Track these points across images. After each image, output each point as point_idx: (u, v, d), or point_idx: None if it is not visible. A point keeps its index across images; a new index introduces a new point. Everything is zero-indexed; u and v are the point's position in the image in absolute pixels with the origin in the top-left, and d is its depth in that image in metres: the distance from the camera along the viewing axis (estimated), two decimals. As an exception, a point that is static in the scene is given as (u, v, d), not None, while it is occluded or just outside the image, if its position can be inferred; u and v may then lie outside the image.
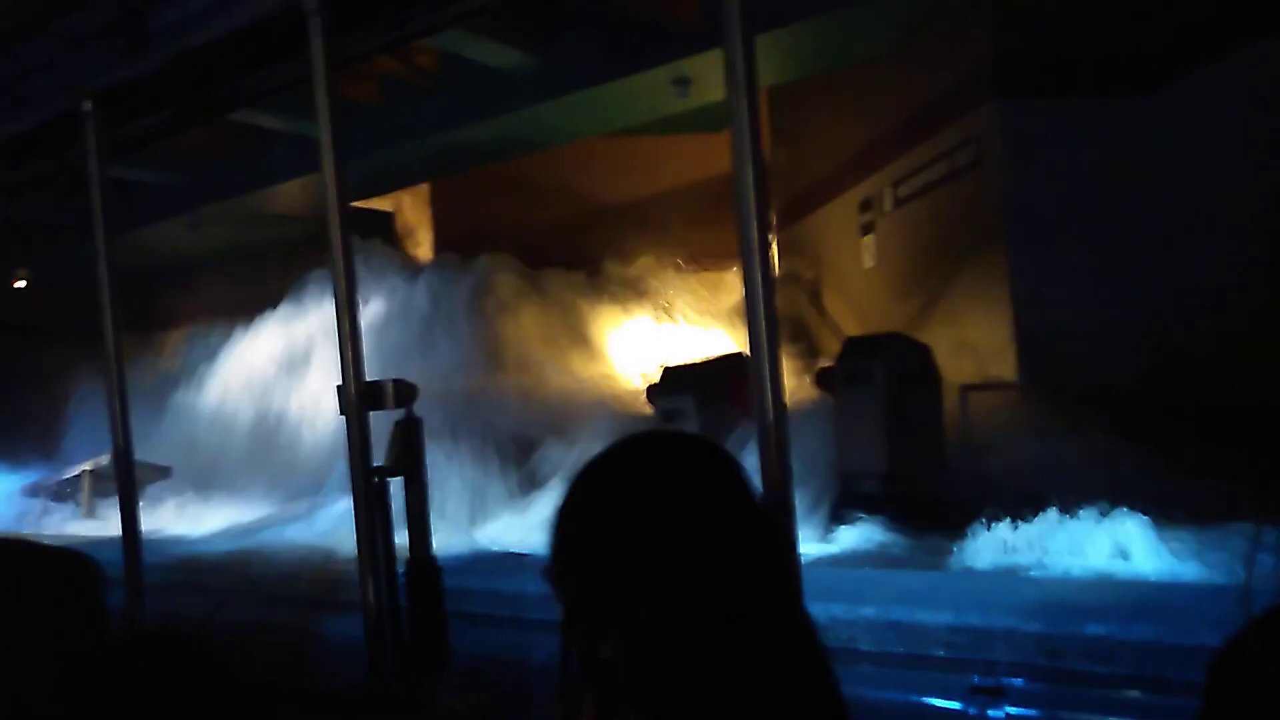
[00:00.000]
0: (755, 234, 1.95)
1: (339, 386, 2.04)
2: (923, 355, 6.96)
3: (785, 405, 1.98)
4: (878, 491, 6.44)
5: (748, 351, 1.92)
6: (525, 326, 10.83)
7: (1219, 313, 7.14)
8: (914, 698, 3.32)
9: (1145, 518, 4.81)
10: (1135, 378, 7.34)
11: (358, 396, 2.05)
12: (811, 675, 0.99)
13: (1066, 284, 7.69)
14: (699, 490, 1.01)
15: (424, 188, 13.78)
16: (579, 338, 11.18)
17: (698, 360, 7.89)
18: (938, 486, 6.53)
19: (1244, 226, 7.13)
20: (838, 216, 10.75)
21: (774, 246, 11.10)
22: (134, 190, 11.13)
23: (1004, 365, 7.86)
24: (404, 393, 2.09)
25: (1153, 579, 4.04)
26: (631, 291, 12.06)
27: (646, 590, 0.96)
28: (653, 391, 7.58)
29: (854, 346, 6.96)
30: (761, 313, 1.93)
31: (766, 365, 1.95)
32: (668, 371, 7.56)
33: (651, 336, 11.09)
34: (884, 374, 6.53)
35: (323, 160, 1.81)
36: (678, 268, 12.65)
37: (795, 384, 8.14)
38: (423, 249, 14.09)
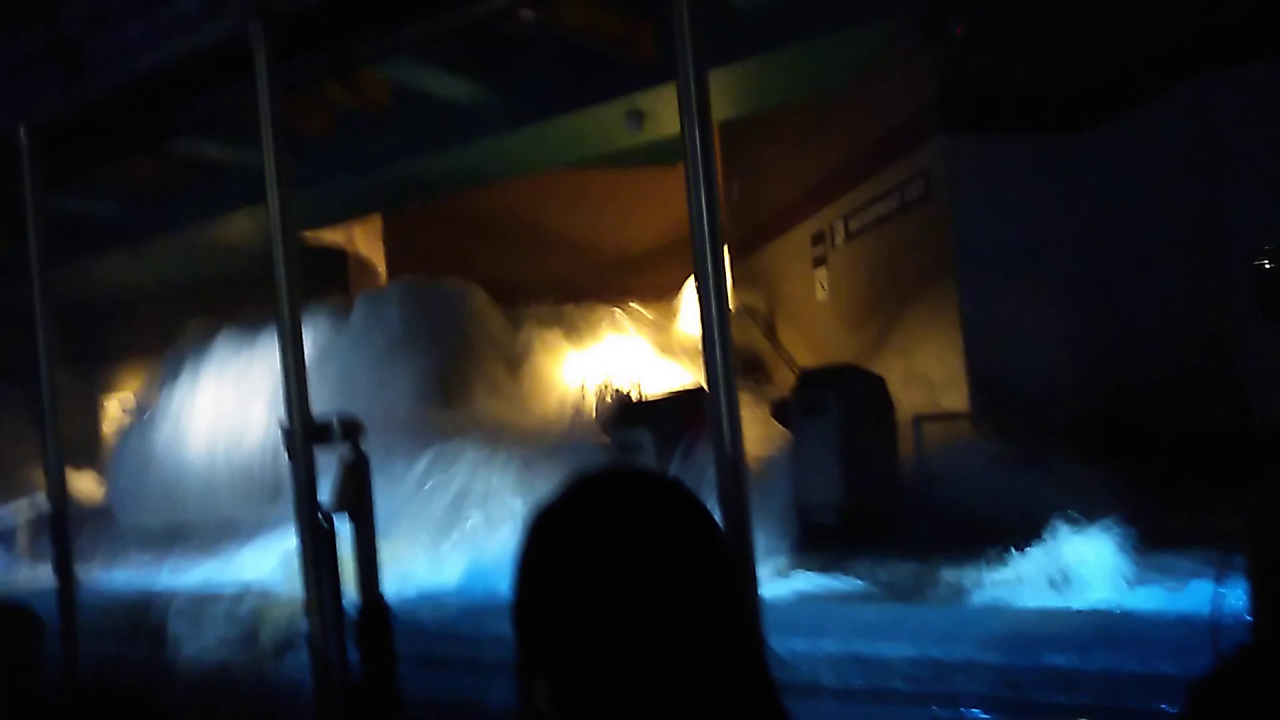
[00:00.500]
0: (710, 265, 1.93)
1: (282, 423, 1.97)
2: (877, 386, 7.00)
3: (742, 436, 1.95)
4: (836, 523, 6.44)
5: (704, 384, 1.90)
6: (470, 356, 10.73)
7: (1160, 341, 7.29)
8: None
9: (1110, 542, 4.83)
10: (1079, 405, 7.48)
11: (303, 433, 1.98)
12: None
13: (1014, 315, 7.82)
14: (642, 529, 0.96)
15: (376, 220, 13.66)
16: (522, 369, 11.09)
17: (655, 395, 7.86)
18: (894, 517, 6.55)
19: (1180, 258, 7.31)
20: (790, 249, 10.85)
21: (728, 278, 11.17)
22: (79, 222, 10.90)
23: (955, 395, 7.95)
24: (351, 429, 2.03)
25: (1111, 608, 4.06)
26: (583, 324, 12.03)
27: (579, 632, 0.92)
28: (609, 424, 7.53)
29: (809, 378, 6.98)
30: (717, 345, 1.90)
31: (724, 397, 1.93)
32: (624, 405, 7.51)
33: (604, 369, 11.04)
34: (839, 405, 6.55)
35: (267, 188, 1.75)
36: (632, 300, 12.68)
37: (749, 415, 8.13)
38: (376, 282, 13.95)
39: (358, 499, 2.11)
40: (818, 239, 10.14)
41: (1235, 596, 0.93)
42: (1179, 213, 7.27)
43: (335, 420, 2.04)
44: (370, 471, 2.13)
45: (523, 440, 8.25)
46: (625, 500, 0.98)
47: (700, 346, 1.87)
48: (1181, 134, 7.22)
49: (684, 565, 0.94)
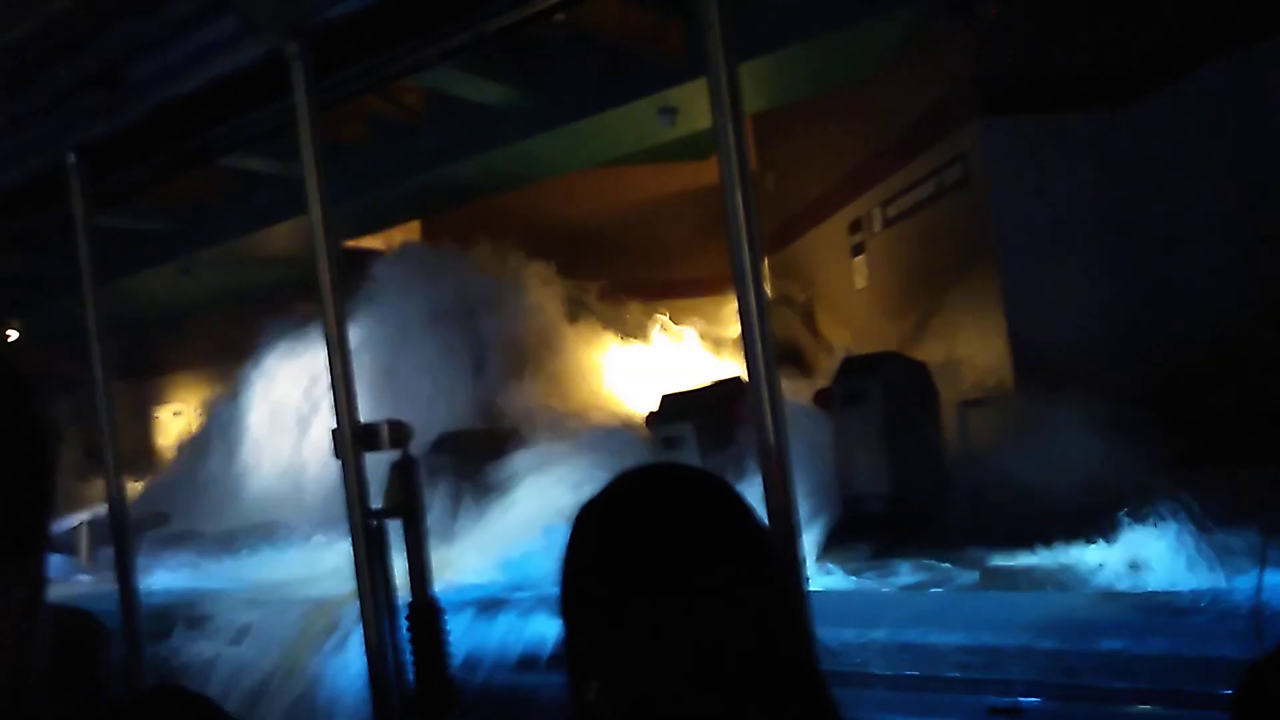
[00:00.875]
0: (747, 258, 1.94)
1: (333, 430, 2.02)
2: (920, 373, 6.95)
3: (786, 428, 1.96)
4: (881, 512, 6.40)
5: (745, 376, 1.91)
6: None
7: (1207, 319, 7.14)
8: (931, 720, 3.29)
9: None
10: (1127, 386, 7.34)
11: (352, 439, 2.03)
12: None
13: (1059, 297, 7.71)
14: (688, 527, 0.98)
15: (415, 225, 13.81)
16: (567, 358, 11.11)
17: (696, 387, 7.86)
18: (941, 505, 6.49)
19: (1224, 233, 7.15)
20: (828, 238, 10.79)
21: (766, 270, 11.10)
22: (126, 238, 11.15)
23: (1000, 380, 7.85)
24: (399, 433, 2.07)
25: (1168, 590, 4.00)
26: (628, 319, 12.06)
27: (628, 629, 0.94)
28: (652, 419, 7.55)
29: (851, 366, 6.94)
30: (757, 336, 1.92)
31: (765, 388, 1.94)
32: (666, 399, 7.53)
33: (650, 363, 11.06)
34: (882, 393, 6.51)
35: (309, 203, 1.79)
36: (673, 295, 12.69)
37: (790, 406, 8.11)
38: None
39: (408, 501, 2.16)
40: (855, 227, 10.07)
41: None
42: (1222, 187, 7.12)
43: (384, 425, 2.08)
44: (420, 473, 2.18)
45: (566, 432, 8.33)
46: (670, 496, 1.01)
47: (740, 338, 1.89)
48: (1224, 108, 7.06)
49: (730, 560, 0.96)
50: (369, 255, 12.91)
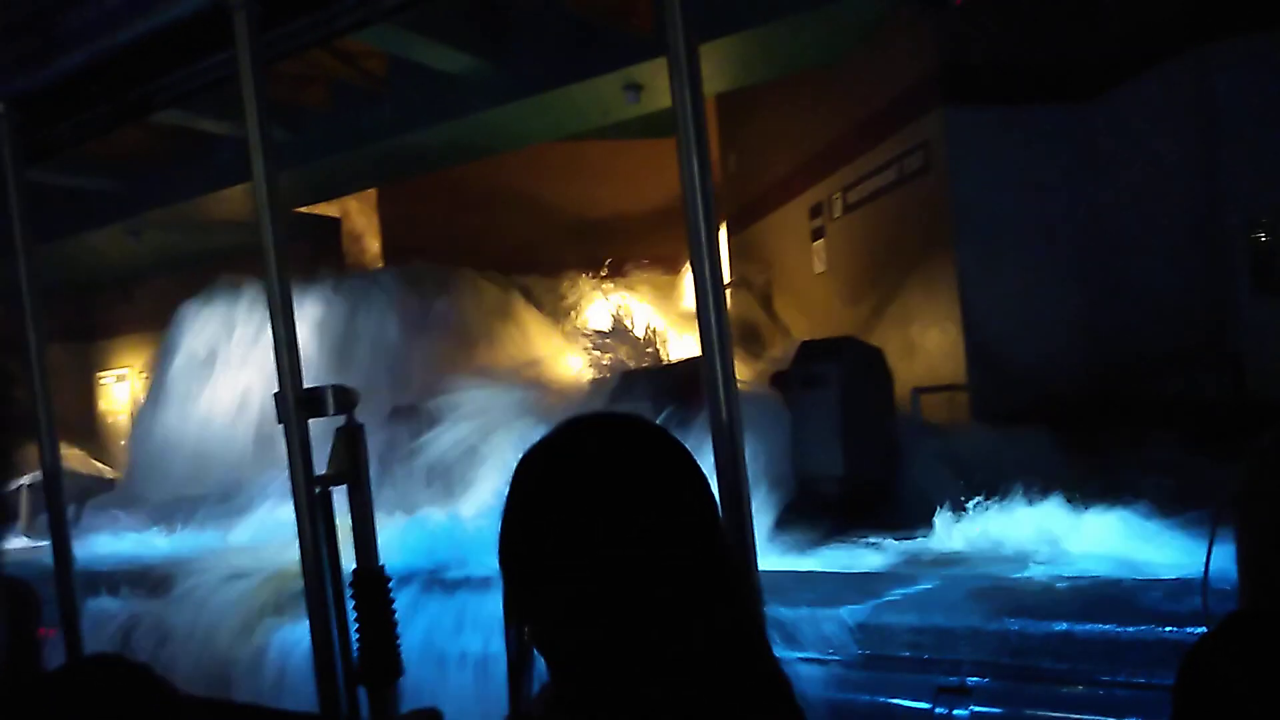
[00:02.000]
0: (704, 238, 1.92)
1: (276, 395, 1.96)
2: (876, 359, 6.99)
3: (739, 407, 1.95)
4: (835, 494, 6.44)
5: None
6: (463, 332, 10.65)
7: (1158, 313, 7.27)
8: (881, 699, 3.33)
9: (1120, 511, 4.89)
10: (1076, 377, 7.48)
11: (296, 404, 1.97)
12: (759, 678, 0.93)
13: (1012, 287, 7.79)
14: (630, 472, 0.95)
15: (372, 193, 13.59)
16: (527, 341, 11.03)
17: (656, 366, 7.85)
18: (893, 488, 6.57)
19: (1179, 230, 7.27)
20: (788, 222, 10.79)
21: (725, 250, 11.09)
22: (71, 197, 10.83)
23: (953, 367, 7.94)
24: (345, 398, 2.02)
25: (1110, 575, 4.08)
26: (583, 296, 11.99)
27: (567, 576, 0.91)
28: (611, 398, 7.52)
29: (809, 350, 6.95)
30: (712, 316, 1.90)
31: (719, 368, 1.92)
32: (625, 377, 7.51)
33: (605, 340, 11.01)
34: (840, 377, 6.53)
35: (251, 160, 1.72)
36: (631, 272, 12.63)
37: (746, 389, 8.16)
38: (369, 256, 13.90)
39: (353, 467, 2.11)
40: (816, 211, 10.08)
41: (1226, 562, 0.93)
42: (1178, 184, 7.22)
43: (329, 390, 2.03)
44: (365, 439, 2.13)
45: (519, 411, 8.27)
46: (611, 443, 0.97)
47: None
48: (1181, 105, 7.15)
49: (670, 507, 0.94)
50: (326, 222, 12.72)
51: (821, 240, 10.01)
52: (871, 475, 6.58)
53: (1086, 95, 7.68)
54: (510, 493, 0.97)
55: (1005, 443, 6.52)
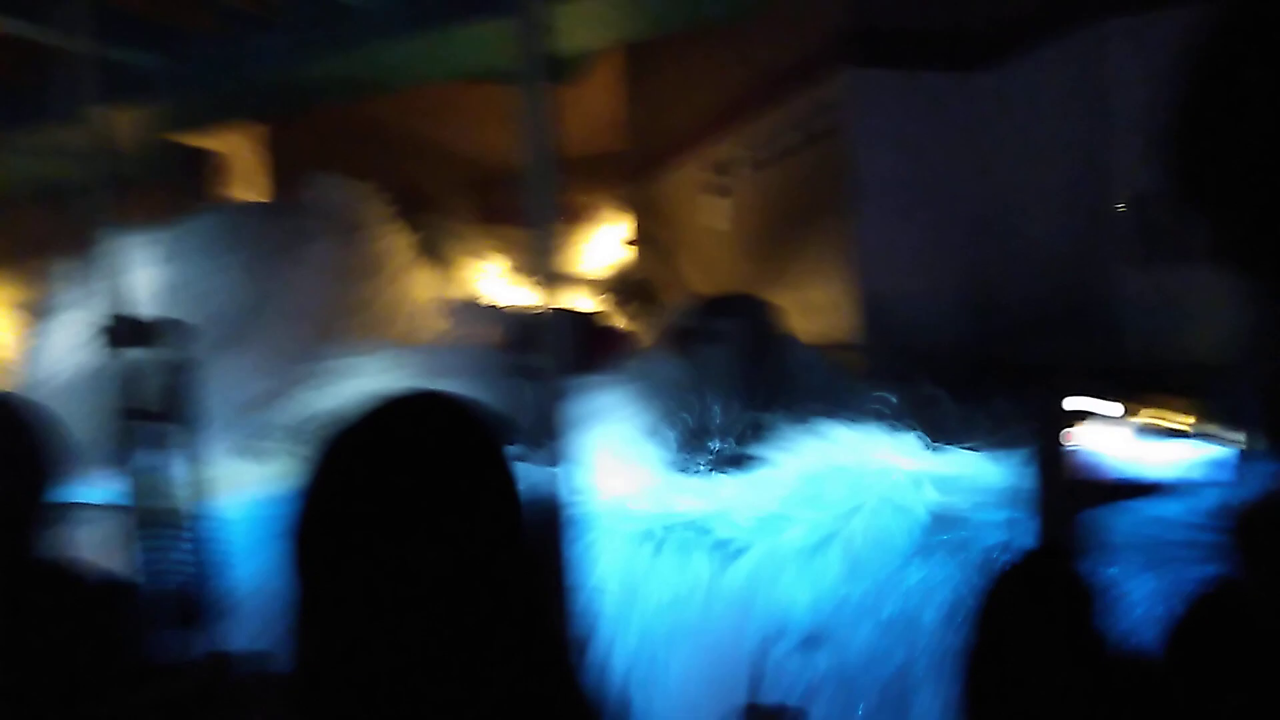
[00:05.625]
0: (544, 196, 1.95)
1: (104, 325, 1.83)
2: (774, 316, 7.07)
3: (570, 369, 2.00)
4: (731, 450, 6.50)
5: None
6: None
7: (1045, 280, 7.56)
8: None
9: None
10: (964, 340, 7.75)
11: (121, 333, 1.86)
12: (546, 681, 0.88)
13: (907, 251, 7.98)
14: (433, 458, 0.87)
15: (259, 126, 12.94)
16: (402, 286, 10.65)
17: (561, 313, 7.72)
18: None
19: (1066, 200, 7.54)
20: (693, 177, 10.77)
21: (626, 207, 10.96)
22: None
23: (848, 327, 8.10)
24: (177, 332, 1.91)
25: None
26: (476, 246, 11.74)
27: (361, 570, 0.83)
28: (507, 347, 7.39)
29: (709, 305, 6.98)
30: (549, 278, 1.94)
31: (554, 326, 1.96)
32: (523, 326, 7.37)
33: (495, 292, 10.81)
34: (740, 333, 6.58)
35: (83, 83, 1.58)
36: (517, 220, 12.41)
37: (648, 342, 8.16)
38: (255, 194, 13.26)
39: (180, 404, 2.00)
40: (721, 168, 10.08)
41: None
42: (1069, 156, 7.48)
43: (158, 321, 1.91)
44: (194, 375, 2.02)
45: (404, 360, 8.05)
46: (418, 427, 0.89)
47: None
48: (1075, 78, 7.38)
49: (463, 511, 0.86)
50: (204, 155, 12.05)
51: (726, 198, 10.03)
52: (764, 431, 6.67)
53: (987, 64, 7.85)
54: (308, 480, 0.88)
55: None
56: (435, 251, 11.04)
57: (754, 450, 6.52)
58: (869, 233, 7.94)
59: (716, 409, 6.64)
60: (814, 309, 8.42)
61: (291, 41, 9.37)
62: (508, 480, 0.90)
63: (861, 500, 4.50)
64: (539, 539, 0.93)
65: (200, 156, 11.86)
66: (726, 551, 4.24)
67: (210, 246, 9.53)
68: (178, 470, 1.99)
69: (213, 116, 11.11)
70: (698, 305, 7.06)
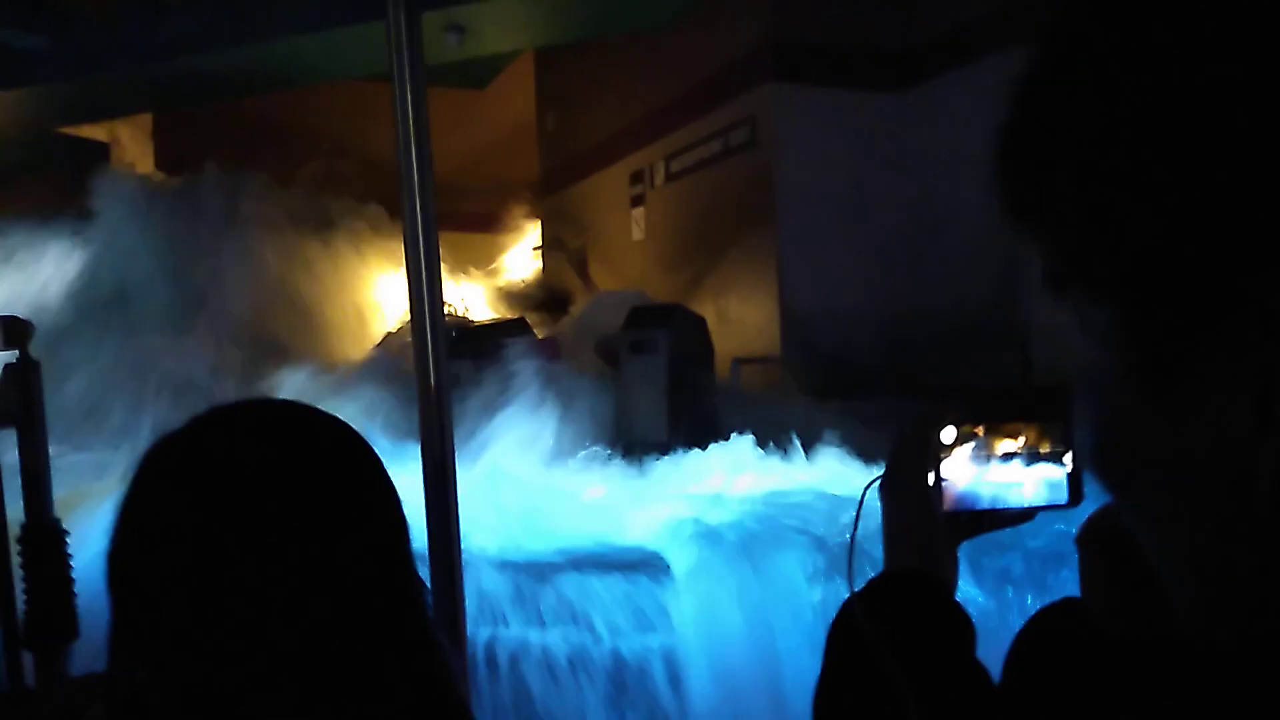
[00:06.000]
0: (418, 198, 1.92)
1: None
2: (702, 327, 7.08)
3: (448, 377, 1.95)
4: (657, 461, 6.47)
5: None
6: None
7: (959, 298, 7.81)
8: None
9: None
10: (881, 355, 7.94)
11: None
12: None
13: (828, 267, 8.12)
14: (277, 477, 0.78)
15: (147, 118, 12.26)
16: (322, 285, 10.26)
17: (475, 323, 7.57)
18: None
19: (979, 221, 7.82)
20: (608, 186, 10.73)
21: (538, 213, 10.79)
22: None
23: (767, 340, 8.18)
24: (15, 330, 1.79)
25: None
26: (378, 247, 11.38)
27: (189, 598, 0.74)
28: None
29: (638, 315, 6.93)
30: (424, 285, 1.90)
31: (429, 334, 1.91)
32: (451, 332, 7.18)
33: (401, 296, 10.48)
34: (669, 344, 6.56)
35: None
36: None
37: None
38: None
39: (24, 408, 1.88)
40: (637, 178, 10.07)
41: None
42: (981, 178, 7.74)
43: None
44: (40, 377, 1.91)
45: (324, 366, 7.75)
46: (259, 439, 0.81)
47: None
48: (987, 104, 7.65)
49: (325, 528, 0.78)
50: (91, 147, 11.35)
51: (642, 207, 10.02)
52: (693, 443, 6.67)
53: (905, 85, 8.07)
54: (128, 497, 0.78)
55: (814, 413, 6.82)
56: (342, 251, 10.65)
57: (676, 458, 6.53)
58: (790, 248, 8.05)
59: (645, 417, 6.61)
60: (731, 321, 8.48)
61: (186, 30, 8.90)
62: (356, 497, 0.81)
63: (753, 519, 4.59)
64: (406, 561, 0.87)
65: (89, 148, 11.17)
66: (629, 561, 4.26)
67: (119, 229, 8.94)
68: (25, 478, 1.87)
69: (100, 105, 10.47)
70: (630, 314, 7.00)
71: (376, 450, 0.84)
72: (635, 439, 6.51)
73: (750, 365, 7.88)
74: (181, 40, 9.02)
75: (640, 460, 6.42)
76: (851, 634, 0.84)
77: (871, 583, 0.89)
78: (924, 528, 0.90)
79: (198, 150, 11.70)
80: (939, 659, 0.81)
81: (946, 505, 0.88)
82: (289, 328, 8.69)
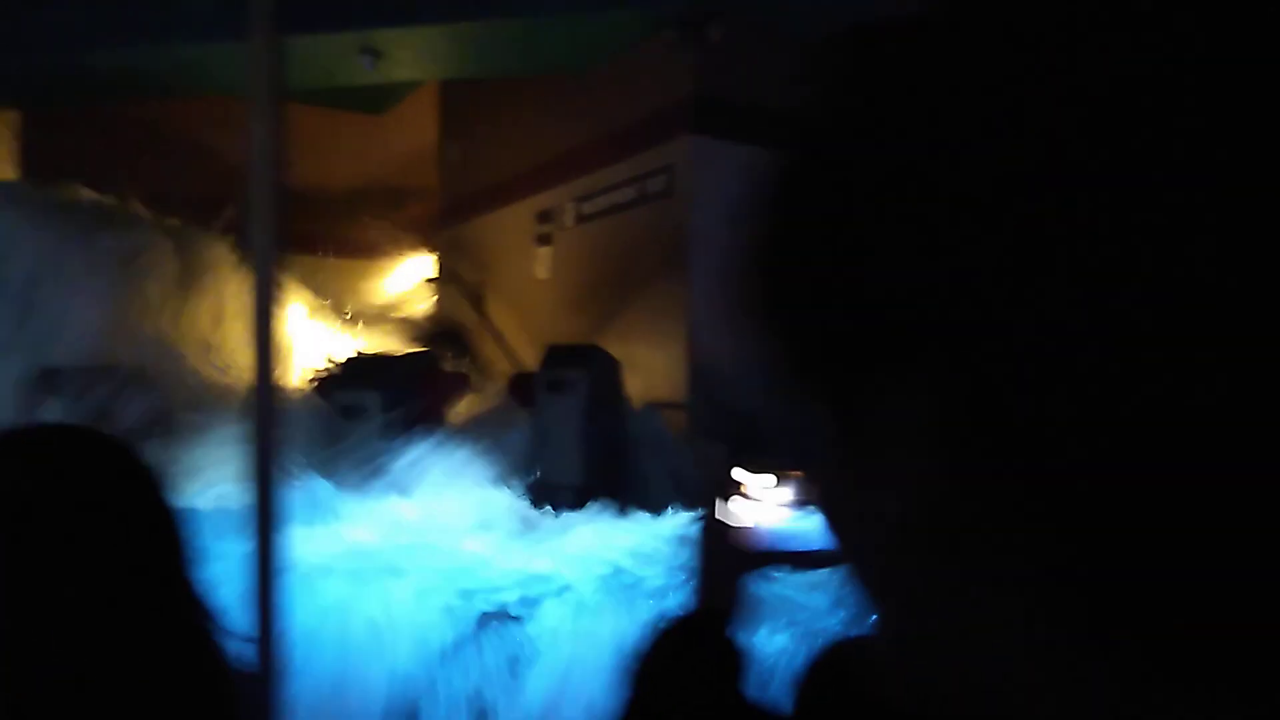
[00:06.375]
0: (266, 233, 1.90)
1: None
2: (617, 370, 7.03)
3: (279, 413, 1.93)
4: (571, 505, 6.34)
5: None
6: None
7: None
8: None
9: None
10: (778, 409, 8.07)
11: None
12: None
13: (734, 318, 8.22)
14: (49, 501, 0.81)
15: (13, 115, 11.36)
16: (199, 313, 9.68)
17: (383, 354, 7.28)
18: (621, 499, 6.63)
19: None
20: (512, 223, 10.59)
21: (432, 245, 10.56)
22: None
23: (671, 386, 8.19)
24: None
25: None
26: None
27: None
28: (327, 384, 6.83)
29: (555, 355, 6.83)
30: (263, 317, 1.86)
31: (263, 372, 1.89)
32: (349, 363, 6.86)
33: (300, 328, 10.01)
34: (587, 384, 6.48)
35: None
36: (319, 252, 11.68)
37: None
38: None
39: None
40: (545, 217, 9.99)
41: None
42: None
43: None
44: None
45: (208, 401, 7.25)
46: (39, 465, 0.83)
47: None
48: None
49: (109, 555, 0.81)
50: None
51: (548, 247, 9.93)
52: (605, 488, 6.58)
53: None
54: None
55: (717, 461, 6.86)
56: (219, 270, 10.06)
57: (585, 505, 6.42)
58: (699, 297, 8.11)
59: (560, 458, 6.46)
60: (638, 365, 8.45)
61: (75, 23, 8.33)
62: (118, 513, 0.84)
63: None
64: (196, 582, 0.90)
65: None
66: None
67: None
68: None
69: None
70: (546, 353, 6.88)
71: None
72: (548, 481, 6.37)
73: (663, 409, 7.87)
74: (67, 32, 8.45)
75: (551, 504, 6.28)
76: (637, 678, 0.86)
77: (663, 626, 0.91)
78: (720, 565, 0.92)
79: (68, 147, 10.94)
80: (704, 696, 0.84)
81: (750, 544, 0.90)
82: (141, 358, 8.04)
